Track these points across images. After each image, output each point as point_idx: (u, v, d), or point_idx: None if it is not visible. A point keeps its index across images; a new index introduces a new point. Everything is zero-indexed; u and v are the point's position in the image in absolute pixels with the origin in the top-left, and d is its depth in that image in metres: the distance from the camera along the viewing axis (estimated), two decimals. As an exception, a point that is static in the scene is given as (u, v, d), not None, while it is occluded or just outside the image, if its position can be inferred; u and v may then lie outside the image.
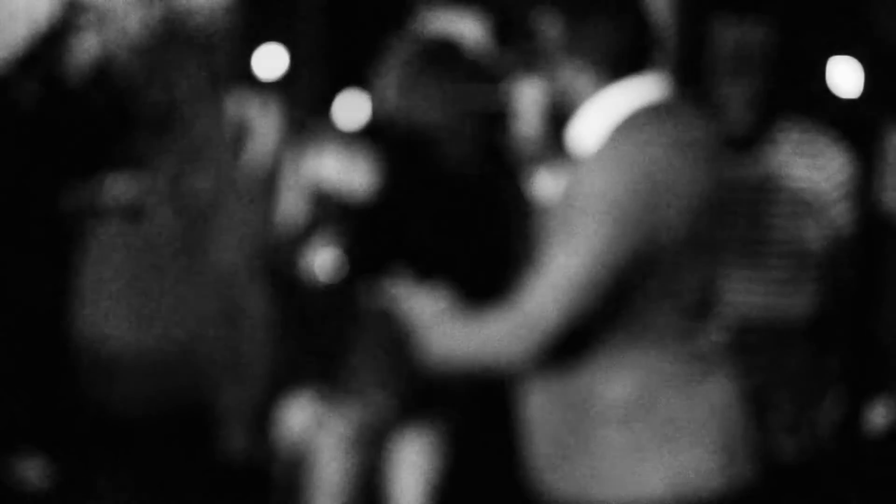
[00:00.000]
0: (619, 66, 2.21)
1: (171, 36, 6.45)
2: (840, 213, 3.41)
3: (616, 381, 2.20)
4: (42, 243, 4.58)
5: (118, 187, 5.42)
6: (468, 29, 6.10)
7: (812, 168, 3.39)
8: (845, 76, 4.16)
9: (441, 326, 2.24)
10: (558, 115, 2.31)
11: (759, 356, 3.08)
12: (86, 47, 5.11)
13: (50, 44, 5.05)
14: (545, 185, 2.71)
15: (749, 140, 3.43)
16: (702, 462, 2.21)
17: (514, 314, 2.13)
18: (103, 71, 5.50)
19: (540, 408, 2.28)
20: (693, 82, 4.14)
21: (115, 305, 5.35)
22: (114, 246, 5.32)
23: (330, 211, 2.82)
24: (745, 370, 2.99)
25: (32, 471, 4.52)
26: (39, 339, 4.64)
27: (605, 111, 2.21)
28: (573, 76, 2.22)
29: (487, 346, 2.18)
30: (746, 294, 3.48)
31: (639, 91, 2.21)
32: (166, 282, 5.23)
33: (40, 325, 4.64)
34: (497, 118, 2.76)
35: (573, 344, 2.15)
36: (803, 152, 3.41)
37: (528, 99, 2.44)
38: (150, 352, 5.36)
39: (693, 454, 2.20)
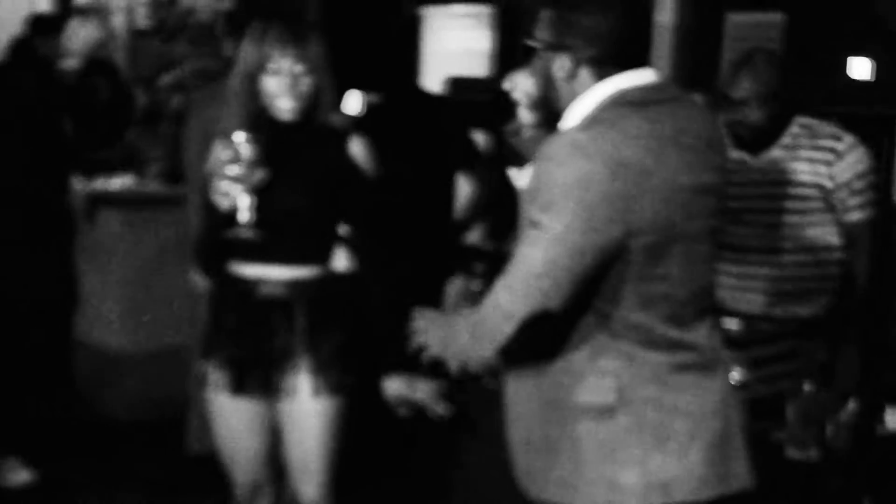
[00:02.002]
0: (612, 60, 2.16)
1: (176, 29, 6.43)
2: (855, 209, 3.37)
3: (594, 382, 2.15)
4: (41, 239, 4.50)
5: (120, 181, 5.37)
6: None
7: (826, 164, 3.35)
8: (859, 71, 4.13)
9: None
10: (552, 109, 2.26)
11: (774, 352, 3.04)
12: (89, 39, 5.05)
13: (50, 33, 4.99)
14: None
15: (763, 136, 3.39)
16: (687, 470, 2.15)
17: (486, 307, 2.15)
18: (106, 63, 5.46)
19: (519, 401, 2.26)
20: (706, 77, 4.10)
21: (113, 305, 5.29)
22: (114, 243, 5.26)
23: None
24: (758, 366, 2.96)
25: (15, 472, 4.45)
26: (37, 339, 4.57)
27: (587, 103, 2.17)
28: (567, 70, 2.18)
29: (471, 338, 2.20)
30: (762, 291, 3.44)
31: (622, 83, 2.16)
32: (169, 279, 5.17)
33: (37, 324, 4.57)
34: None
35: (546, 337, 2.13)
36: (817, 147, 3.37)
37: (521, 92, 2.39)
38: (148, 354, 5.30)
39: (679, 462, 2.15)
